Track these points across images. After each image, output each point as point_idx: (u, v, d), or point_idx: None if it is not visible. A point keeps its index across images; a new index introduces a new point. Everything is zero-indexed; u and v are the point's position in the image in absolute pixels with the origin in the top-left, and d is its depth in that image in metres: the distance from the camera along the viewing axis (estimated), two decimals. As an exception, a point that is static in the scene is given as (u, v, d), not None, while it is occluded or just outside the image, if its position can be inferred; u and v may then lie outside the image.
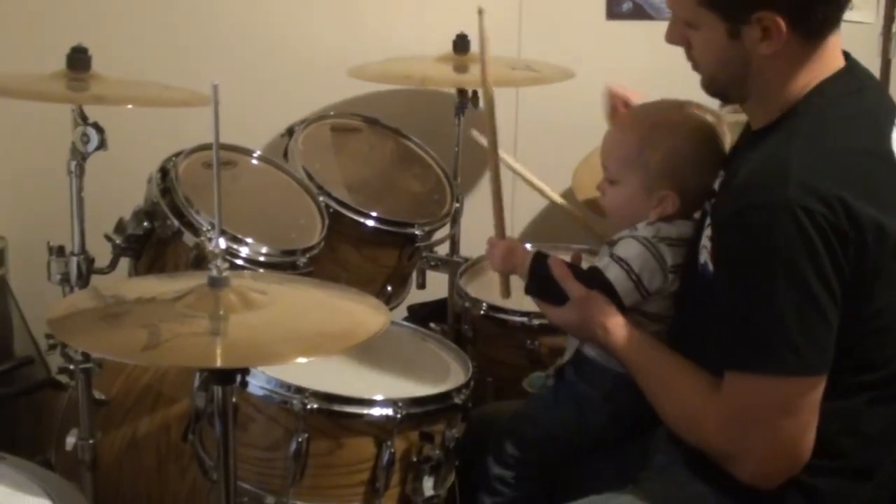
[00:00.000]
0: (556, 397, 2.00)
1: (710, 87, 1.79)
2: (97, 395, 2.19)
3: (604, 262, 1.89)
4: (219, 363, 1.52)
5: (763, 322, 1.60)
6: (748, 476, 1.67)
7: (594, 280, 1.87)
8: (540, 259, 1.94)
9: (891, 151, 1.69)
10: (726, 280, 1.66)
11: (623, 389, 1.90)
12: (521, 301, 2.19)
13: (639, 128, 1.92)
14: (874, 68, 2.91)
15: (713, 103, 1.93)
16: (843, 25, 1.72)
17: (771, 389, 1.61)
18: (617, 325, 1.84)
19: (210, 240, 1.64)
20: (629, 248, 1.88)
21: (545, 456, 2.00)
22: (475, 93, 2.88)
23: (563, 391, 1.99)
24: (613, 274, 1.87)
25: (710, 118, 1.92)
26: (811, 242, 1.55)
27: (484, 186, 3.27)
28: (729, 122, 1.94)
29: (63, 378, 2.25)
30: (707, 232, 1.76)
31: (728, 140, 1.93)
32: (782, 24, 1.63)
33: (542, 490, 2.01)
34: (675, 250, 1.89)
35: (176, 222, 2.26)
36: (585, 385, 1.96)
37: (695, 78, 3.08)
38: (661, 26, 3.27)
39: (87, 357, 2.10)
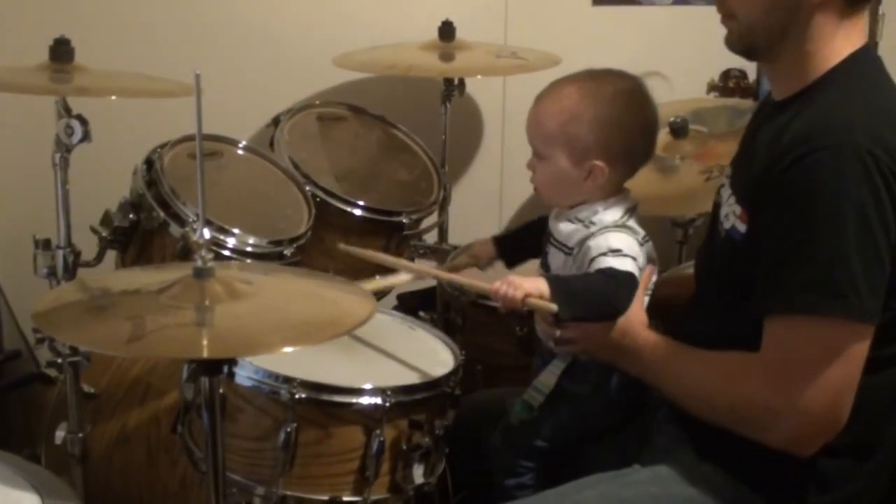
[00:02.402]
0: (550, 409, 1.95)
1: (744, 38, 1.75)
2: (86, 388, 2.19)
3: (602, 260, 1.81)
4: (205, 354, 1.52)
5: (830, 264, 1.59)
6: (785, 437, 1.66)
7: (616, 280, 1.79)
8: (558, 277, 1.86)
9: None
10: (786, 224, 1.64)
11: (609, 374, 1.90)
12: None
13: (559, 101, 1.88)
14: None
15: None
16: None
17: (828, 333, 1.61)
18: (649, 337, 1.84)
19: (195, 231, 1.63)
20: (614, 239, 1.83)
21: (549, 455, 1.99)
22: (461, 80, 2.88)
23: (557, 401, 1.95)
24: (630, 265, 1.81)
25: (631, 82, 1.89)
26: (876, 188, 1.58)
27: (471, 174, 3.29)
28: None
29: (52, 372, 2.25)
30: (730, 202, 1.77)
31: (656, 105, 1.90)
32: None
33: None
34: (634, 219, 1.89)
35: (162, 214, 2.25)
36: (575, 385, 1.93)
37: (681, 63, 3.10)
38: (648, 12, 3.33)
39: (75, 350, 2.10)
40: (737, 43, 1.78)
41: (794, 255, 1.63)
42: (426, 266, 2.12)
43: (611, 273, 1.79)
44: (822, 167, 1.60)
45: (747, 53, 1.80)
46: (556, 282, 1.79)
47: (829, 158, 1.60)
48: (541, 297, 1.76)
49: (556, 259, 1.91)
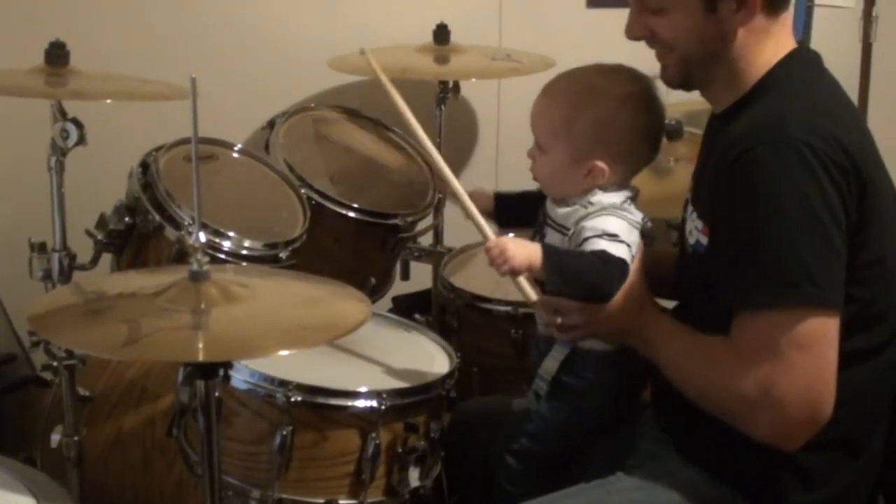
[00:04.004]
0: (549, 406, 1.95)
1: (680, 69, 1.78)
2: (81, 391, 2.19)
3: (597, 242, 1.81)
4: (200, 357, 1.52)
5: (777, 257, 1.61)
6: (768, 430, 1.65)
7: (608, 265, 1.79)
8: (555, 249, 1.85)
9: (857, 109, 1.80)
10: (734, 225, 1.66)
11: (609, 367, 1.90)
12: (506, 290, 2.19)
13: (566, 95, 1.87)
14: (855, 52, 2.92)
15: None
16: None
17: (788, 324, 1.61)
18: (657, 319, 1.84)
19: (191, 234, 1.64)
20: (611, 223, 1.82)
21: (548, 453, 1.99)
22: (456, 83, 2.89)
23: (555, 395, 1.94)
24: (623, 251, 1.80)
25: (641, 84, 1.88)
26: (817, 177, 1.59)
27: (466, 176, 3.29)
28: (705, 110, 1.94)
29: (47, 375, 2.25)
30: (693, 217, 1.78)
31: (663, 107, 1.91)
32: None
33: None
34: (634, 205, 1.89)
35: (157, 217, 2.25)
36: (574, 378, 1.93)
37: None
38: (642, 14, 3.31)
39: (70, 353, 2.10)
40: (674, 77, 1.80)
41: (743, 254, 1.64)
42: (449, 172, 1.99)
43: (604, 257, 1.78)
44: (758, 164, 1.61)
45: (684, 84, 1.82)
46: (550, 256, 1.78)
47: (765, 154, 1.61)
48: (531, 268, 1.77)
49: (552, 240, 1.90)
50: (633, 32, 1.81)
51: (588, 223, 1.83)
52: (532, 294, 1.83)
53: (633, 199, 1.90)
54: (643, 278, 1.88)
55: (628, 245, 1.81)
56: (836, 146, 1.61)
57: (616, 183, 1.89)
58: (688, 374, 1.77)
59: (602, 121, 1.84)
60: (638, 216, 1.88)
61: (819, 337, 1.62)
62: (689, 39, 1.75)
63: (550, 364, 1.91)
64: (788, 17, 1.77)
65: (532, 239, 1.94)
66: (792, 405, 1.63)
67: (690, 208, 1.82)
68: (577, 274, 1.80)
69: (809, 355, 1.62)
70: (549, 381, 1.91)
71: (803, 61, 1.77)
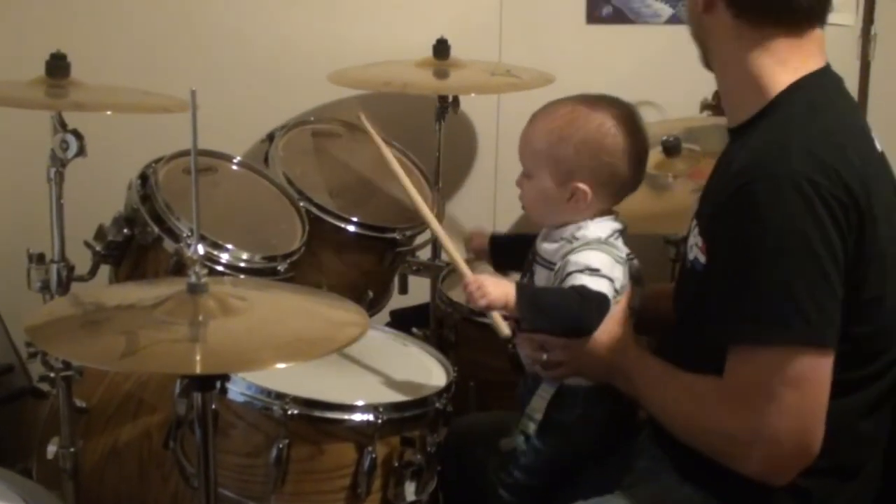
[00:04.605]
0: (541, 441, 1.93)
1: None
2: (78, 402, 2.18)
3: (577, 277, 1.82)
4: (198, 369, 1.52)
5: (771, 293, 1.59)
6: (758, 467, 1.65)
7: (586, 299, 1.80)
8: (529, 287, 1.88)
9: (872, 142, 1.75)
10: (730, 257, 1.65)
11: (598, 401, 1.90)
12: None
13: (550, 121, 1.90)
14: (854, 71, 2.93)
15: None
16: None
17: (779, 361, 1.60)
18: (638, 357, 1.84)
19: (189, 246, 1.64)
20: (594, 258, 1.84)
21: (541, 485, 1.97)
22: (456, 98, 2.89)
23: (546, 430, 1.93)
24: (604, 286, 1.81)
25: (623, 110, 1.89)
26: (818, 214, 1.58)
27: (465, 191, 3.30)
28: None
29: (44, 386, 2.25)
30: (694, 233, 1.78)
31: (646, 133, 1.91)
32: None
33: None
34: (622, 240, 1.90)
35: (156, 229, 2.25)
36: (563, 414, 1.92)
37: (674, 82, 3.12)
38: (641, 31, 3.35)
39: (67, 365, 2.10)
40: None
41: (737, 287, 1.63)
42: (427, 209, 2.09)
43: (582, 291, 1.80)
44: (759, 199, 1.60)
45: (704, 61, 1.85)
46: (524, 292, 1.83)
47: (766, 189, 1.60)
48: (506, 305, 1.81)
49: (541, 277, 1.91)
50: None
51: (572, 257, 1.84)
52: (505, 329, 1.86)
53: (622, 233, 1.91)
54: (628, 316, 1.89)
55: (610, 279, 1.82)
56: (838, 181, 1.59)
57: (600, 210, 1.90)
58: (674, 415, 1.77)
59: (584, 144, 1.86)
60: (624, 251, 1.89)
61: (811, 376, 1.61)
62: (690, 23, 1.82)
63: (538, 403, 1.91)
64: (818, 37, 1.74)
65: (522, 276, 1.96)
66: (782, 443, 1.63)
67: (694, 222, 1.82)
68: (552, 309, 1.82)
69: (800, 394, 1.61)
70: (538, 421, 1.91)
71: (822, 84, 1.75)
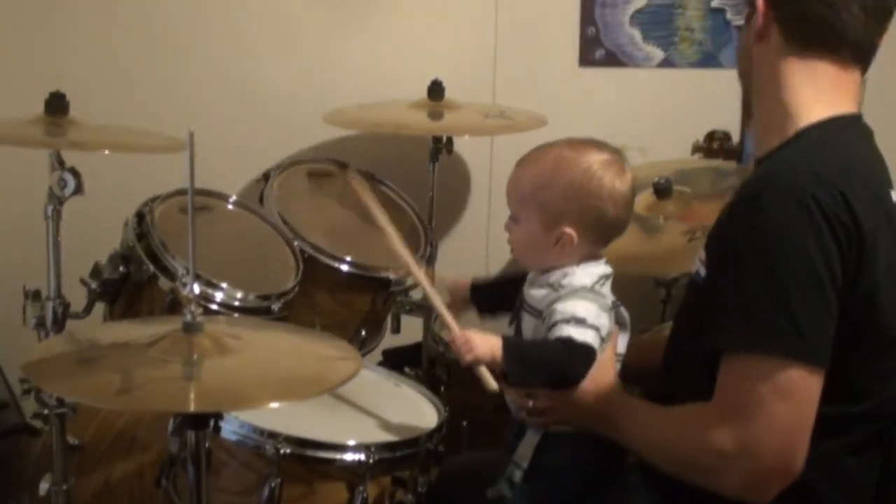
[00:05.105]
0: (529, 486, 1.91)
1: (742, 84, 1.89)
2: (71, 440, 2.18)
3: (563, 328, 1.81)
4: (192, 407, 1.53)
5: (770, 304, 1.61)
6: (738, 482, 1.64)
7: (572, 351, 1.80)
8: (515, 342, 1.88)
9: (889, 193, 1.75)
10: (729, 264, 1.67)
11: (585, 445, 1.89)
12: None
13: (536, 166, 1.90)
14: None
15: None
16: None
17: (769, 372, 1.61)
18: (623, 403, 1.85)
19: (185, 285, 1.65)
20: (580, 307, 1.83)
21: None
22: (449, 139, 2.92)
23: (534, 476, 1.92)
24: (590, 337, 1.81)
25: (609, 154, 1.89)
26: (820, 230, 1.59)
27: (458, 231, 3.31)
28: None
29: (37, 423, 2.25)
30: (702, 248, 1.80)
31: (631, 177, 1.92)
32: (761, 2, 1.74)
33: None
34: (608, 285, 1.90)
35: (151, 267, 2.27)
36: (550, 459, 1.91)
37: (666, 124, 3.15)
38: (634, 74, 3.38)
39: (61, 402, 2.10)
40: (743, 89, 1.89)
41: (733, 295, 1.65)
42: (416, 267, 2.09)
43: (569, 343, 1.79)
44: (764, 211, 1.62)
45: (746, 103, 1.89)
46: (510, 346, 1.82)
47: (771, 201, 1.62)
48: (493, 360, 1.81)
49: (528, 324, 1.91)
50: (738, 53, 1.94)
51: (558, 306, 1.84)
52: (492, 383, 1.85)
53: (607, 278, 1.91)
54: (614, 364, 1.90)
55: (596, 329, 1.83)
56: (843, 204, 1.61)
57: (587, 253, 1.90)
58: (659, 444, 1.78)
59: (569, 188, 1.86)
60: (610, 298, 1.89)
61: (800, 389, 1.62)
62: (739, 56, 1.88)
63: (525, 450, 1.91)
64: (852, 81, 1.76)
65: (510, 324, 1.96)
66: (766, 456, 1.63)
67: (704, 240, 1.83)
68: (538, 363, 1.83)
69: (788, 406, 1.61)
70: (525, 469, 1.91)
71: (849, 127, 1.77)
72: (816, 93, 1.75)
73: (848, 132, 1.77)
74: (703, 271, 1.76)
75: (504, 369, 1.84)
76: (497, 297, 2.05)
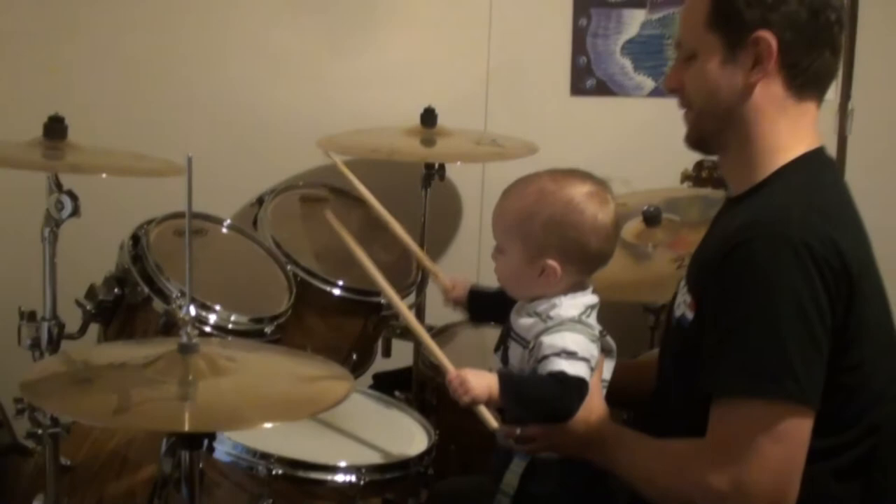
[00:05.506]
0: None
1: (697, 127, 1.84)
2: (63, 460, 2.19)
3: (554, 362, 1.81)
4: (186, 427, 1.55)
5: (763, 348, 1.63)
6: None
7: (566, 385, 1.80)
8: (511, 379, 1.87)
9: (859, 218, 1.79)
10: (723, 310, 1.69)
11: (572, 472, 1.89)
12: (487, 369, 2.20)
13: (519, 198, 1.91)
14: (831, 145, 2.99)
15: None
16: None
17: (764, 415, 1.63)
18: (615, 433, 1.86)
19: (180, 307, 1.67)
20: (570, 340, 1.83)
21: None
22: (442, 166, 2.94)
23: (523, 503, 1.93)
24: (582, 370, 1.81)
25: (591, 185, 1.89)
26: (810, 276, 1.62)
27: (449, 256, 3.33)
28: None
29: (29, 443, 2.26)
30: (683, 290, 1.82)
31: (614, 207, 1.91)
32: (774, 44, 1.73)
33: None
34: (594, 315, 1.91)
35: (146, 289, 2.28)
36: (538, 487, 1.91)
37: (656, 153, 3.18)
38: (625, 102, 3.41)
39: (55, 422, 2.11)
40: (691, 134, 1.85)
41: (729, 341, 1.67)
42: (403, 305, 2.11)
43: (562, 378, 1.79)
44: (756, 256, 1.65)
45: (700, 144, 1.86)
46: (507, 384, 1.82)
47: (763, 247, 1.65)
48: (490, 398, 1.81)
49: (515, 353, 1.91)
50: (669, 83, 1.88)
51: (547, 339, 1.84)
52: (493, 422, 1.85)
53: (593, 308, 1.92)
54: (601, 390, 1.91)
55: (587, 360, 1.83)
56: (833, 249, 1.64)
57: (573, 283, 1.90)
58: (651, 477, 1.79)
59: (552, 220, 1.86)
60: (597, 328, 1.90)
61: (794, 433, 1.64)
62: (707, 90, 1.79)
63: (511, 478, 1.91)
64: (814, 112, 1.80)
65: (495, 350, 1.97)
66: (760, 497, 1.65)
67: (683, 282, 1.86)
68: (534, 399, 1.83)
69: (782, 450, 1.64)
70: (512, 497, 1.90)
71: (819, 163, 1.81)
72: (799, 131, 1.79)
73: (822, 167, 1.81)
74: (689, 314, 1.77)
75: (502, 407, 1.85)
76: (491, 308, 2.07)
